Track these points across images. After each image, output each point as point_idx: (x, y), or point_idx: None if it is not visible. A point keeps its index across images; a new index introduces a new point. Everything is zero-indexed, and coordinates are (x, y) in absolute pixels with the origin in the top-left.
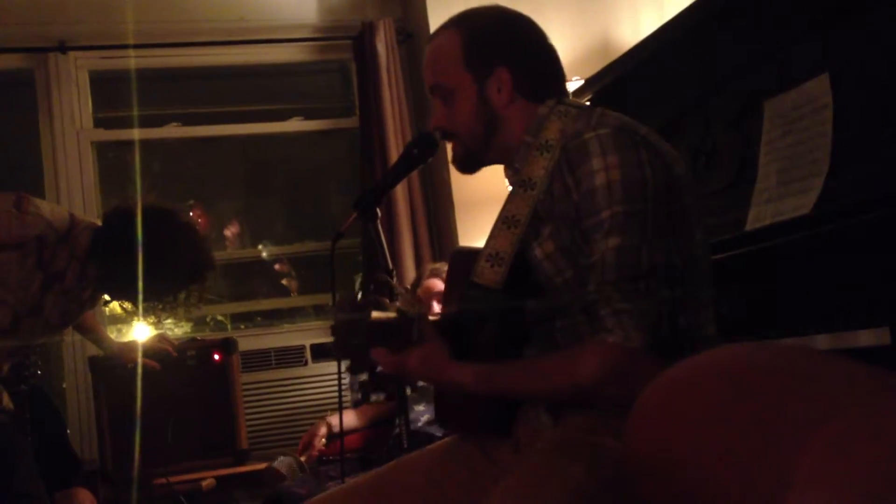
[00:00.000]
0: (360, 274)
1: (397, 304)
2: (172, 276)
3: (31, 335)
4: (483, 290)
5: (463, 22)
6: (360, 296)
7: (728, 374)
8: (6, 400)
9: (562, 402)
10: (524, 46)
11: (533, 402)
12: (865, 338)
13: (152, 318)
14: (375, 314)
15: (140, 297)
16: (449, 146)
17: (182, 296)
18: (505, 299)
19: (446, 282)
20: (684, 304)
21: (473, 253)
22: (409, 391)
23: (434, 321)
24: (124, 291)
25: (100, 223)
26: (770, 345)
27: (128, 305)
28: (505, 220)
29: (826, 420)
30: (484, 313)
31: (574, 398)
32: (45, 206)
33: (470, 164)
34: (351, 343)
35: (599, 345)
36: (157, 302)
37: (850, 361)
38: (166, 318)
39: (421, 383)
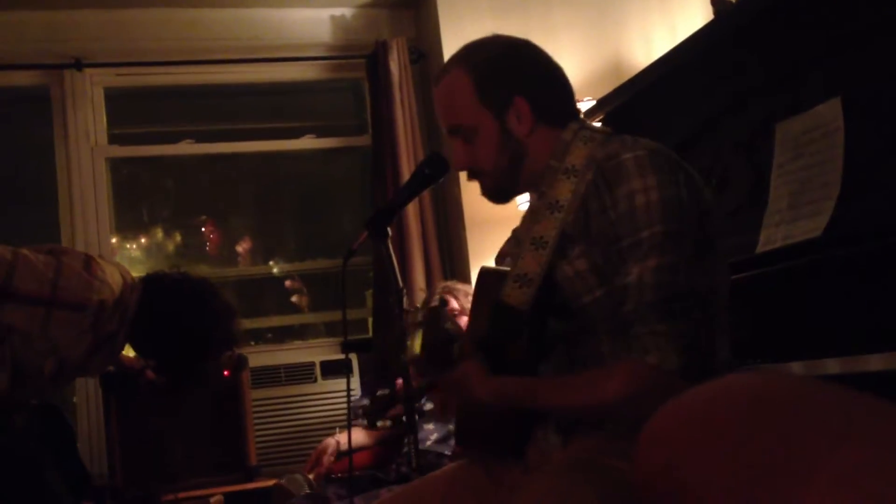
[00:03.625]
0: (371, 291)
1: (445, 325)
2: (205, 351)
3: (69, 381)
4: (511, 311)
5: (468, 58)
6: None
7: (736, 404)
8: (19, 420)
9: (595, 417)
10: (534, 72)
11: (542, 422)
12: (876, 362)
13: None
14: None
15: (168, 364)
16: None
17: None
18: (533, 319)
19: (473, 300)
20: (707, 328)
21: (500, 273)
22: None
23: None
24: (155, 356)
25: (139, 280)
26: (777, 375)
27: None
28: (533, 241)
29: (832, 452)
30: (513, 334)
31: (607, 415)
32: (109, 270)
33: (502, 196)
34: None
35: (637, 364)
36: (182, 368)
37: (857, 393)
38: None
39: (429, 406)
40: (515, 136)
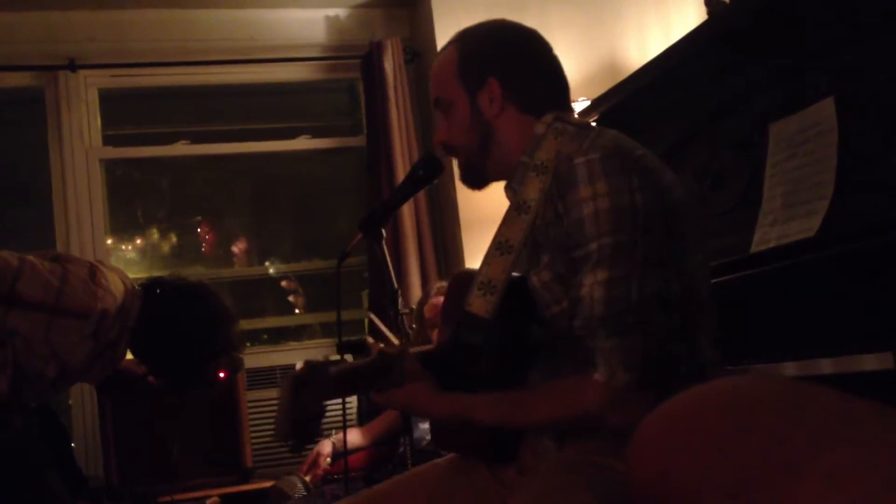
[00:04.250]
0: (367, 291)
1: (380, 345)
2: (205, 356)
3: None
4: (475, 320)
5: (462, 38)
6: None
7: (726, 407)
8: (18, 422)
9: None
10: (516, 57)
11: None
12: (869, 362)
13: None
14: (343, 364)
15: (169, 369)
16: (456, 164)
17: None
18: (496, 329)
19: (443, 307)
20: (682, 331)
21: (470, 277)
22: None
23: (423, 352)
24: (156, 362)
25: (139, 286)
26: (767, 377)
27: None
28: (498, 246)
29: (822, 453)
30: (475, 344)
31: (558, 429)
32: (111, 278)
33: (474, 178)
34: (307, 414)
35: (586, 382)
36: (183, 374)
37: (847, 395)
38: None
39: None
40: (485, 116)
